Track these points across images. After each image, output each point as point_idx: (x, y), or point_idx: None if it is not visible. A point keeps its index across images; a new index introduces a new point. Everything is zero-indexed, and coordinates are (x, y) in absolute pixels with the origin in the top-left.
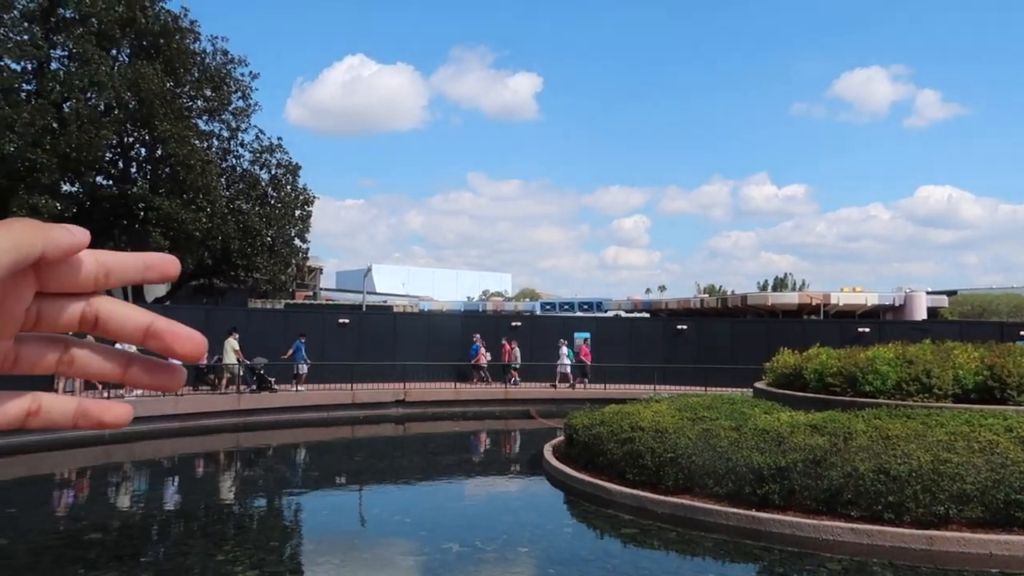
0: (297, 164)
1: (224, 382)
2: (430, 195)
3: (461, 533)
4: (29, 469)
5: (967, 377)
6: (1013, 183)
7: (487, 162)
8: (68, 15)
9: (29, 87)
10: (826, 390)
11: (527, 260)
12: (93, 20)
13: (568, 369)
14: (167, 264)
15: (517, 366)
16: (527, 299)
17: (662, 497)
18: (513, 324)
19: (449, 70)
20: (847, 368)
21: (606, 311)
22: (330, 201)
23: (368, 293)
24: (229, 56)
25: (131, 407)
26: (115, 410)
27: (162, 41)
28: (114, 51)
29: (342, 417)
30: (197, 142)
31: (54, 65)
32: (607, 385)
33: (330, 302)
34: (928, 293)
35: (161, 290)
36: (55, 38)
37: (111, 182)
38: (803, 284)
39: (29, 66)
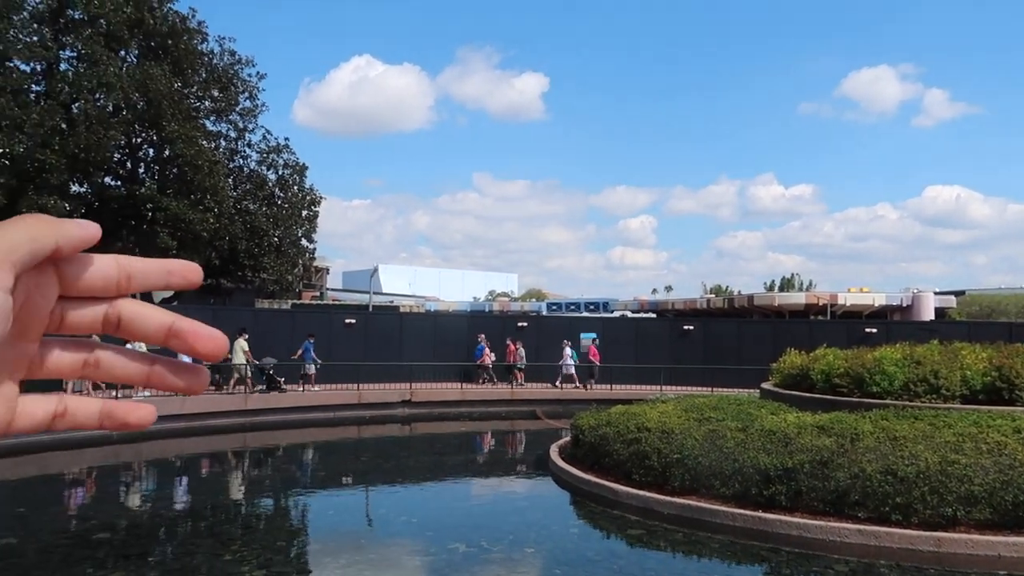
0: (304, 164)
1: (232, 382)
2: (436, 195)
3: (467, 533)
4: (38, 469)
5: (975, 378)
6: (1022, 183)
7: (493, 162)
8: (77, 16)
9: (38, 88)
10: (833, 391)
11: (533, 260)
12: (102, 21)
13: (572, 370)
14: (189, 271)
15: (522, 367)
16: (533, 299)
17: (668, 498)
18: (519, 324)
19: (455, 70)
20: (854, 369)
21: (612, 311)
22: (337, 201)
23: (374, 293)
24: (236, 57)
25: (155, 408)
26: (139, 411)
27: (170, 42)
28: (122, 52)
29: (348, 417)
30: (205, 143)
31: (63, 66)
32: (613, 385)
33: (337, 302)
34: (936, 293)
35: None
36: (64, 39)
37: (119, 183)
38: (810, 284)
39: (38, 67)
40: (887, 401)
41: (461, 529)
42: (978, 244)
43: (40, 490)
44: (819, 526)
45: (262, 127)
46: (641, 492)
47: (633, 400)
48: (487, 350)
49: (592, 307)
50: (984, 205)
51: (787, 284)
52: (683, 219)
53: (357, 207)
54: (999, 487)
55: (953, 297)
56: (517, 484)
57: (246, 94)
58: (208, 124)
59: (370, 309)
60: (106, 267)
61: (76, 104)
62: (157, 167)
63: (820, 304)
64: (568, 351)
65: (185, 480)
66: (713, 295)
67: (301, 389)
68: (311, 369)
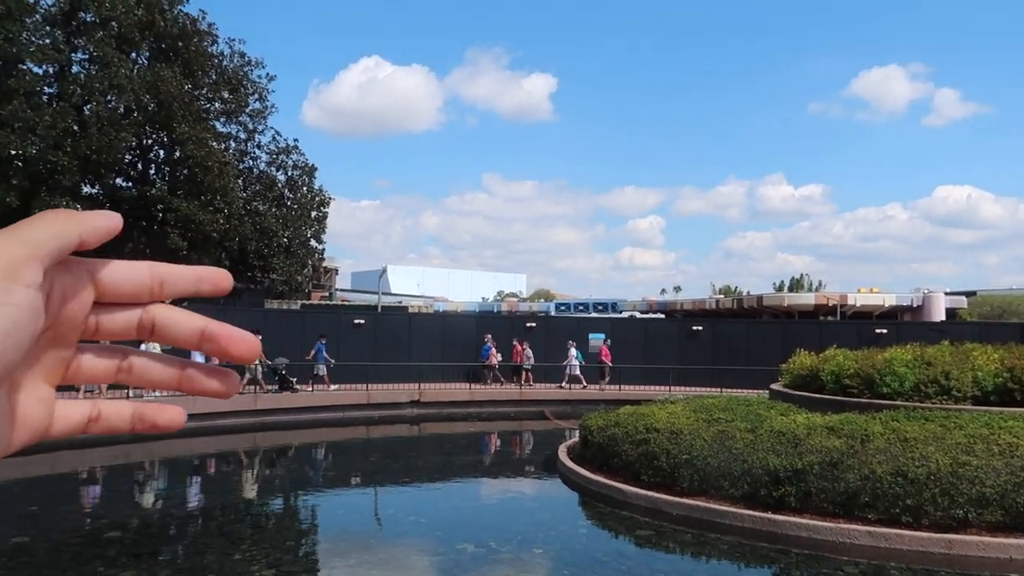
0: (313, 165)
1: (244, 382)
2: (445, 196)
3: (476, 534)
4: (49, 467)
5: (986, 379)
6: None
7: (502, 163)
8: (89, 19)
9: (51, 90)
10: (843, 392)
11: (542, 261)
12: (113, 24)
13: (576, 370)
14: (220, 277)
15: (529, 367)
16: (542, 300)
17: (677, 499)
18: (528, 325)
19: (464, 71)
20: (864, 370)
21: (621, 312)
22: (346, 202)
23: (383, 294)
24: (246, 58)
25: (183, 409)
26: (169, 413)
27: (180, 44)
28: (133, 54)
29: (357, 417)
30: (215, 144)
31: (75, 68)
32: (622, 386)
33: (346, 303)
34: (947, 294)
35: None
36: (76, 41)
37: (130, 184)
38: (820, 285)
39: (51, 69)
40: (897, 402)
41: (469, 529)
42: (989, 244)
43: (51, 489)
44: (829, 527)
45: (272, 128)
46: (650, 493)
47: (642, 401)
48: (493, 350)
49: (601, 308)
50: (995, 205)
51: (796, 285)
52: (692, 219)
53: (366, 208)
54: (1011, 489)
55: (964, 298)
56: (525, 484)
57: (256, 95)
58: (218, 125)
59: (379, 310)
60: (139, 273)
61: (88, 106)
62: (168, 168)
63: (830, 305)
64: (573, 351)
65: (195, 479)
66: (722, 296)
67: (311, 389)
68: (322, 370)
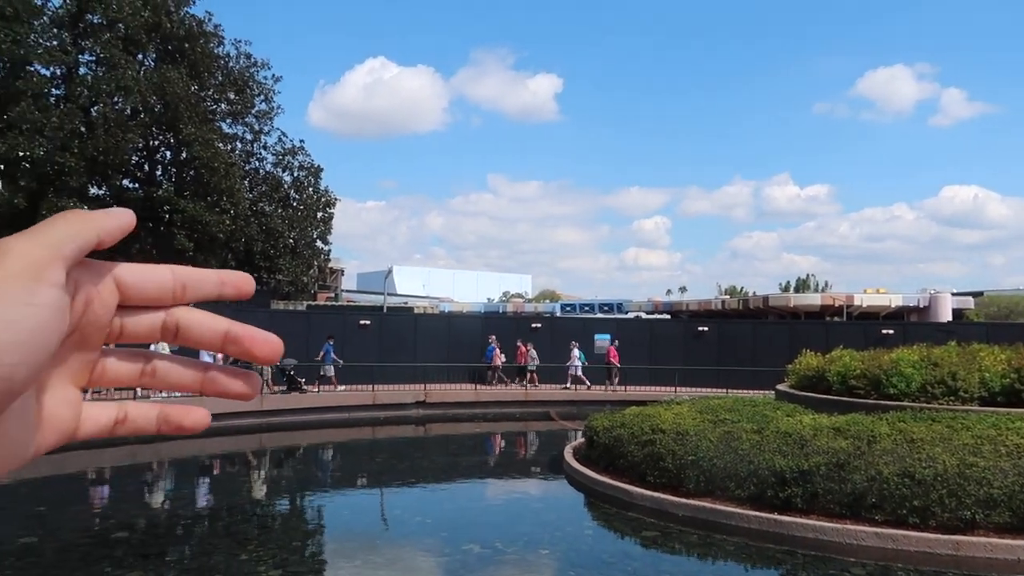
0: (319, 166)
1: None
2: (450, 196)
3: (482, 534)
4: (56, 468)
5: (994, 380)
6: None
7: (507, 163)
8: (96, 21)
9: (58, 92)
10: (849, 392)
11: (547, 261)
12: (120, 25)
13: (579, 371)
14: (242, 281)
15: (533, 368)
16: (547, 300)
17: (683, 500)
18: (533, 326)
19: (469, 72)
20: (871, 370)
21: (626, 312)
22: (351, 203)
23: (389, 294)
24: (252, 60)
25: (208, 411)
26: (194, 415)
27: (187, 45)
28: (140, 56)
29: (363, 418)
30: (221, 145)
31: (82, 70)
32: (627, 387)
33: (351, 303)
34: (953, 294)
35: None
36: (83, 43)
37: (137, 185)
38: (826, 285)
39: (58, 71)
40: (904, 403)
41: (475, 530)
42: (996, 244)
43: (59, 489)
44: (835, 529)
45: (277, 129)
46: (656, 494)
47: (647, 401)
48: (497, 351)
49: (606, 308)
50: (1002, 205)
51: (802, 285)
52: (697, 220)
53: (371, 208)
54: (1018, 490)
55: (971, 298)
56: (531, 485)
57: (262, 97)
58: (224, 127)
59: (384, 310)
60: (162, 277)
61: (95, 107)
62: (174, 169)
63: (836, 305)
64: (576, 352)
65: (202, 480)
66: (728, 296)
67: (317, 390)
68: (330, 371)
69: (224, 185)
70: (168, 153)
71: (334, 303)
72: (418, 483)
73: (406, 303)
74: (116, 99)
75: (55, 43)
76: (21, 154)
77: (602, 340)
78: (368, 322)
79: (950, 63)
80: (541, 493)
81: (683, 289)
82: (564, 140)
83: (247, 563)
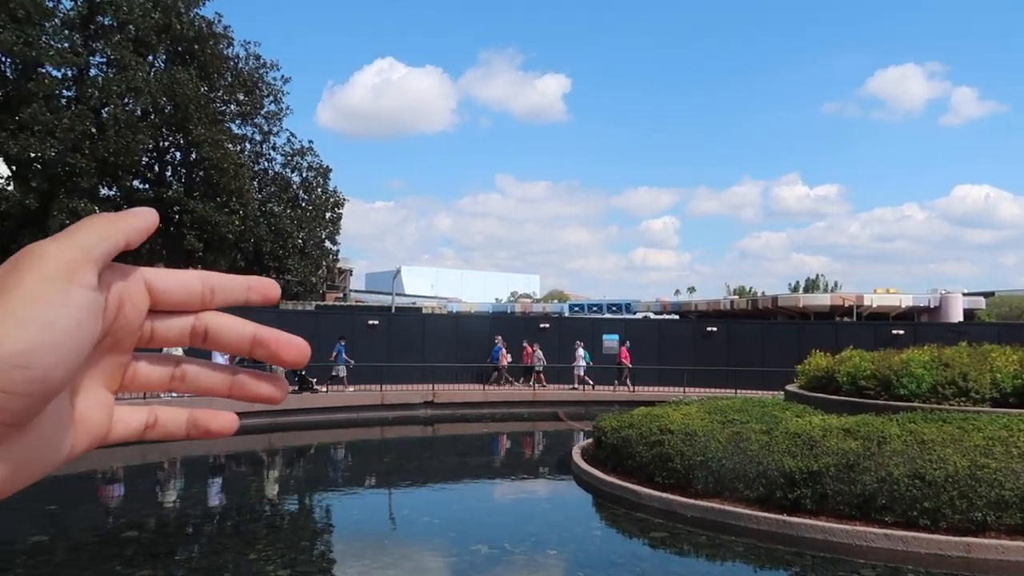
0: (327, 167)
1: None
2: (458, 197)
3: (490, 534)
4: (67, 467)
5: (1005, 381)
6: None
7: (515, 164)
8: (107, 23)
9: (69, 93)
10: (859, 393)
11: (555, 262)
12: (131, 27)
13: (582, 371)
14: (268, 287)
15: (540, 368)
16: (555, 301)
17: (692, 500)
18: (541, 326)
19: (478, 72)
20: (881, 371)
21: (635, 313)
22: (360, 203)
23: (397, 295)
24: (261, 61)
25: (236, 416)
26: (222, 419)
27: (196, 47)
28: (150, 57)
29: (372, 418)
30: (230, 146)
31: (93, 72)
32: (636, 387)
33: (360, 303)
34: (965, 294)
35: None
36: (94, 45)
37: (147, 186)
38: (835, 285)
39: (69, 73)
40: (915, 404)
41: (484, 530)
42: (1008, 244)
43: (70, 488)
44: (845, 530)
45: (286, 130)
46: (664, 494)
47: (656, 402)
48: (504, 351)
49: (614, 308)
50: (1014, 204)
51: (812, 285)
52: (706, 220)
53: (380, 209)
54: None
55: (982, 298)
56: (539, 485)
57: (271, 98)
58: (234, 127)
59: (393, 310)
60: (191, 282)
61: (106, 109)
62: (184, 170)
63: (846, 305)
64: (581, 352)
65: (211, 479)
66: (737, 296)
67: (326, 390)
68: (342, 371)
69: (233, 186)
70: (178, 154)
71: (343, 303)
72: (426, 483)
73: (414, 303)
74: (127, 100)
75: (66, 45)
76: (33, 155)
77: (610, 340)
78: (376, 322)
79: (961, 62)
80: (549, 493)
81: (692, 289)
82: (572, 140)
83: (256, 562)
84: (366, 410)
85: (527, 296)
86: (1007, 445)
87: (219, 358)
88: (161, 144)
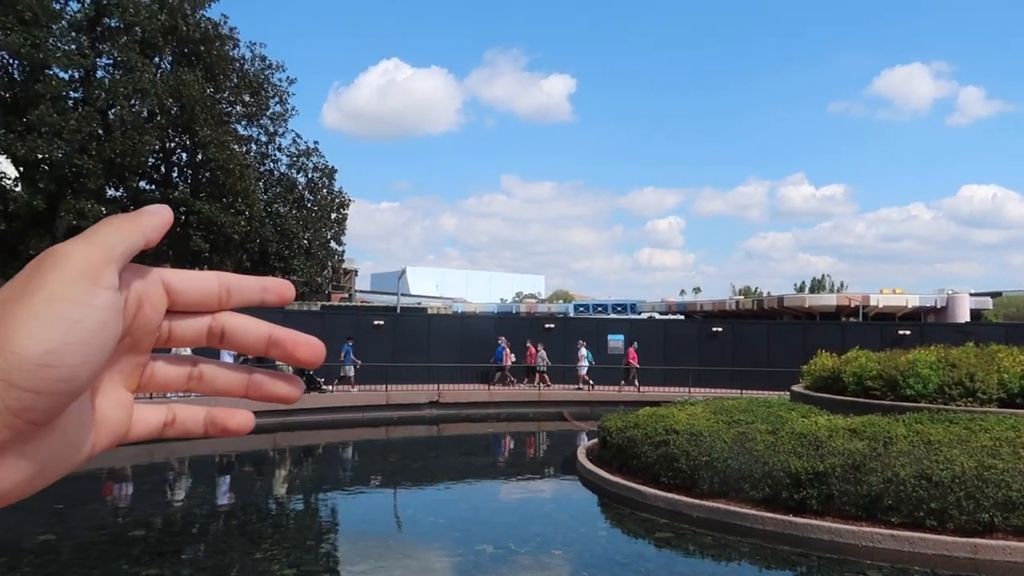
0: (333, 168)
1: None
2: (464, 197)
3: (495, 535)
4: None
5: (1012, 381)
6: None
7: (520, 164)
8: (113, 24)
9: (76, 95)
10: (865, 394)
11: (560, 262)
12: (137, 29)
13: (584, 371)
14: (283, 288)
15: (543, 369)
16: (560, 301)
17: (697, 501)
18: (546, 326)
19: (483, 73)
20: (887, 371)
21: (640, 313)
22: (365, 204)
23: (402, 295)
24: (267, 62)
25: (252, 414)
26: (238, 417)
27: (202, 48)
28: (157, 59)
29: (377, 418)
30: (236, 147)
31: (100, 73)
32: (641, 387)
33: (365, 304)
34: (971, 295)
35: None
36: (101, 47)
37: (154, 187)
38: (841, 286)
39: (76, 74)
40: (921, 404)
41: (489, 530)
42: (1015, 244)
43: (76, 488)
44: (851, 531)
45: (292, 131)
46: (669, 495)
47: (661, 402)
48: (507, 351)
49: (619, 309)
50: (1021, 204)
51: (818, 285)
52: (711, 220)
53: (385, 209)
54: None
55: (989, 298)
56: (544, 485)
57: (276, 99)
58: (239, 128)
59: (398, 311)
60: (208, 282)
61: (112, 110)
62: (190, 171)
63: (852, 306)
64: (583, 351)
65: (217, 478)
66: (742, 297)
67: (332, 390)
68: (350, 371)
69: (239, 187)
70: (184, 155)
71: (348, 303)
72: (431, 483)
73: (419, 304)
74: (133, 102)
75: (73, 47)
76: (40, 157)
77: (615, 340)
78: (382, 322)
79: (968, 61)
80: (554, 493)
81: (697, 290)
82: (578, 141)
83: (261, 561)
84: (372, 410)
85: (532, 296)
86: (1014, 446)
87: (227, 357)
88: (167, 145)
